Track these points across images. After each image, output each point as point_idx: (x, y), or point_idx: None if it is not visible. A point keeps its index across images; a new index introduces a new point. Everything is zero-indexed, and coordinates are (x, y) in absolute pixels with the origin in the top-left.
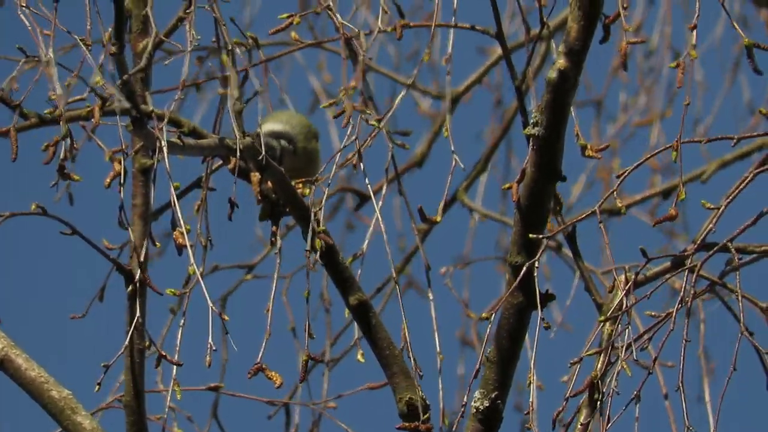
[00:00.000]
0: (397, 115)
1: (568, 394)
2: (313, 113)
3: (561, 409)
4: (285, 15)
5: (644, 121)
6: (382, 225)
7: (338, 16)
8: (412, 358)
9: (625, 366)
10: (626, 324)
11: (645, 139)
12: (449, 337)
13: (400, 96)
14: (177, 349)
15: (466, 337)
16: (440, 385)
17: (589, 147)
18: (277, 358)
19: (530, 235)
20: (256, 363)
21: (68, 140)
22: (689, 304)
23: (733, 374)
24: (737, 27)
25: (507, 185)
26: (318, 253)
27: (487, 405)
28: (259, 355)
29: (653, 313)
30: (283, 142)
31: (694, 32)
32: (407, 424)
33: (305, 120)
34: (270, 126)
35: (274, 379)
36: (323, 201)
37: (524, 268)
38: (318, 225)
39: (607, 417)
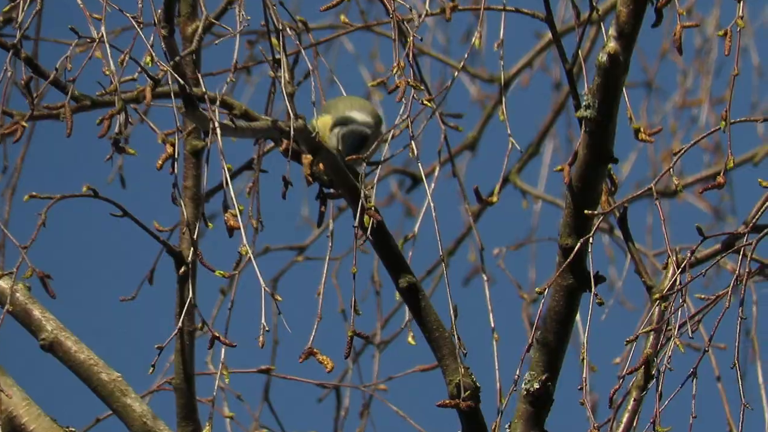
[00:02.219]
0: (449, 100)
1: (623, 372)
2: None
3: (617, 386)
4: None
5: (695, 101)
6: (432, 207)
7: None
8: (456, 336)
9: (678, 342)
10: (681, 303)
11: (696, 120)
12: (504, 319)
13: (453, 79)
14: (225, 329)
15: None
16: (497, 366)
17: (642, 130)
18: (327, 340)
19: (585, 211)
20: (307, 347)
21: (123, 114)
22: (743, 286)
23: None
24: None
25: (559, 167)
26: (368, 230)
27: (538, 387)
28: (310, 339)
29: (703, 296)
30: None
31: (742, 3)
32: (448, 401)
33: (375, 110)
34: (361, 116)
35: (325, 363)
36: (375, 181)
37: (578, 245)
38: (367, 202)
39: (658, 394)
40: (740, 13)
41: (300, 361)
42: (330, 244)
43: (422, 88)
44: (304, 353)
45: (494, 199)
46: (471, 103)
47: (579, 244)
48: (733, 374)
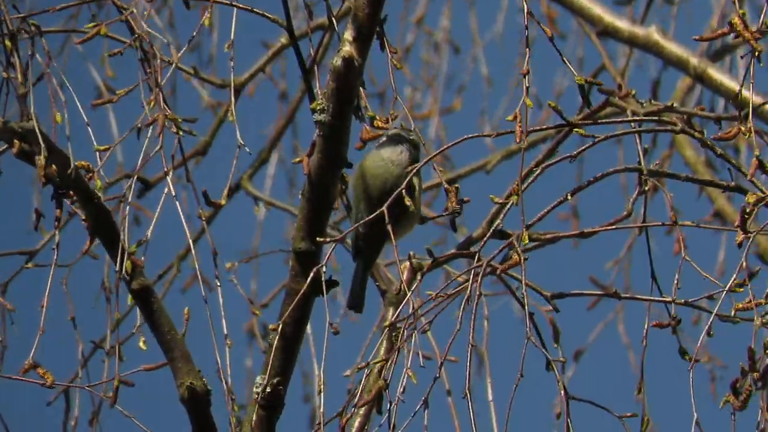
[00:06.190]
0: (181, 105)
1: (355, 402)
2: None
3: (349, 416)
4: (90, 25)
5: (425, 114)
6: (179, 208)
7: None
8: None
9: (410, 374)
10: (413, 318)
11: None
12: (236, 330)
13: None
14: None
15: (253, 329)
16: (229, 372)
17: (377, 118)
18: (56, 347)
19: (317, 239)
20: (27, 361)
21: None
22: (477, 294)
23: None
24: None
25: (298, 159)
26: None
27: (270, 391)
28: (31, 353)
29: (433, 294)
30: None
31: (527, 78)
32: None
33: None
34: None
35: (46, 377)
36: (131, 193)
37: (312, 273)
38: (127, 246)
39: (391, 426)
40: (526, 85)
41: (21, 373)
42: (55, 255)
43: (180, 119)
44: (24, 367)
45: (222, 201)
46: (203, 109)
47: (313, 272)
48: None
